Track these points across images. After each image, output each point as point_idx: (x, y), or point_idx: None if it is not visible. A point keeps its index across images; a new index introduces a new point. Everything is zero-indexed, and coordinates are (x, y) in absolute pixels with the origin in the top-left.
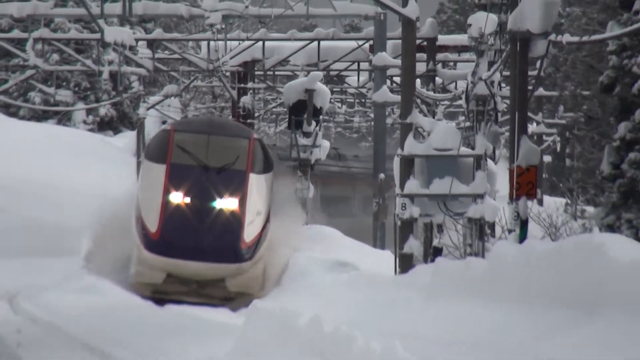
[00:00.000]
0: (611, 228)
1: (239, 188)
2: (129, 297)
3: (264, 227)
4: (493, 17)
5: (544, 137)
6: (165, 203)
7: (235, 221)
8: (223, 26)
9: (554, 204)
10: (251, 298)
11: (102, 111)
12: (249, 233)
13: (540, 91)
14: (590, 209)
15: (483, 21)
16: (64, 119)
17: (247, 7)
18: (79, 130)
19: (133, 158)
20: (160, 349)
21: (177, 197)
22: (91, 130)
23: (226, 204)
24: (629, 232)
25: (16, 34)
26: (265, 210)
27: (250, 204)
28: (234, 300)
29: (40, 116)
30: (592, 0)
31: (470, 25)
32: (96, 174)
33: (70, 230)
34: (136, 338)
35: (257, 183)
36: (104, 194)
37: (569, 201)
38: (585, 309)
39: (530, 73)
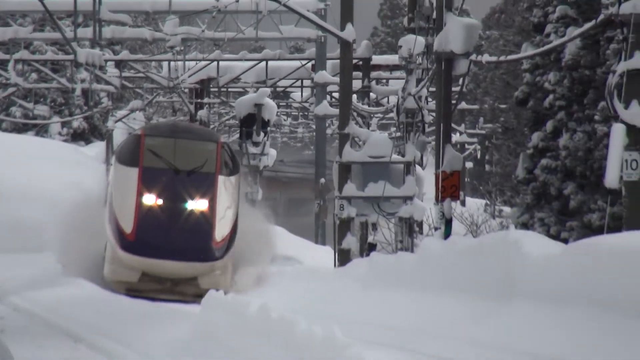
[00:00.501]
0: (525, 226)
1: (208, 190)
2: (101, 289)
3: (234, 227)
4: (421, 40)
5: (466, 146)
6: (139, 205)
7: (206, 222)
8: (182, 48)
9: (475, 204)
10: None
11: (75, 124)
12: (220, 233)
13: (463, 105)
14: (507, 209)
15: (412, 43)
16: (41, 131)
17: (203, 31)
18: (55, 140)
19: (103, 165)
20: (131, 333)
21: (151, 199)
22: (65, 140)
23: (197, 205)
24: (541, 229)
25: None
26: (234, 210)
27: (220, 205)
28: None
29: (20, 129)
30: (508, 24)
31: (400, 46)
32: (70, 179)
33: (47, 228)
34: (109, 325)
35: (225, 185)
36: (77, 196)
37: (488, 202)
38: (504, 298)
39: (453, 89)
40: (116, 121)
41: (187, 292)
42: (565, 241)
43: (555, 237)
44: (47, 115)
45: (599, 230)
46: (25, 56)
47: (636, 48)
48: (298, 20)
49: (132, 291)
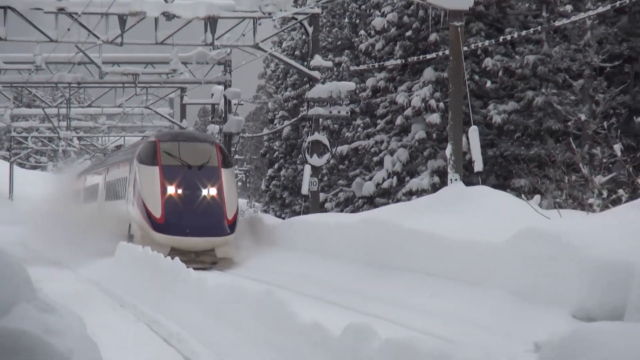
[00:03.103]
0: (266, 211)
1: (216, 180)
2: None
3: (237, 208)
4: (216, 127)
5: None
6: (164, 195)
7: (219, 205)
8: None
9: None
10: (230, 261)
11: None
12: (230, 213)
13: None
14: (258, 204)
15: (214, 128)
16: None
17: None
18: None
19: None
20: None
21: (172, 190)
22: None
23: (210, 192)
24: (272, 213)
25: None
26: (236, 195)
27: (226, 191)
28: (218, 263)
29: None
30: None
31: (207, 130)
32: None
33: None
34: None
35: (227, 175)
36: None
37: (248, 201)
38: (388, 266)
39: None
40: None
41: (206, 260)
42: (283, 219)
43: (280, 217)
44: None
45: (299, 214)
46: None
47: (316, 129)
48: None
49: None
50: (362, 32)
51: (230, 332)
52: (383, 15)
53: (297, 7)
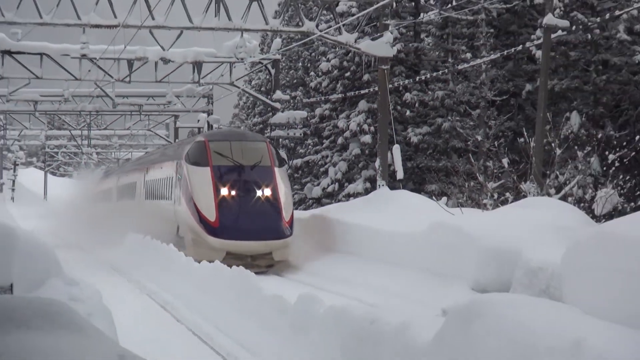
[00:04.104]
0: None
1: (270, 180)
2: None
3: (293, 209)
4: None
5: None
6: (218, 197)
7: (275, 206)
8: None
9: None
10: (286, 263)
11: None
12: (287, 214)
13: None
14: None
15: None
16: None
17: None
18: None
19: None
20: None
21: (226, 191)
22: None
23: (265, 193)
24: None
25: None
26: (290, 195)
27: (282, 191)
28: (274, 266)
29: None
30: None
31: None
32: None
33: None
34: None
35: (281, 174)
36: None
37: None
38: (333, 250)
39: None
40: None
41: (262, 264)
42: None
43: None
44: None
45: None
46: None
47: (277, 147)
48: None
49: None
50: (312, 73)
51: (211, 299)
52: (328, 60)
53: (262, 54)
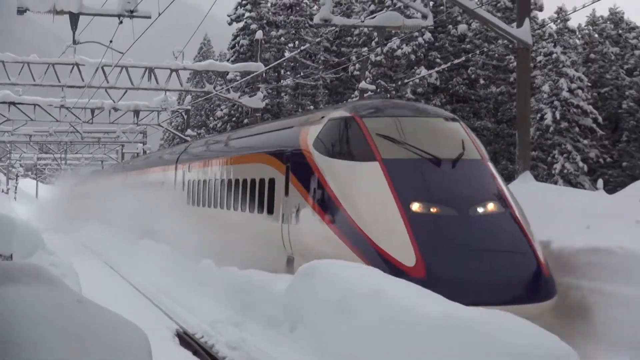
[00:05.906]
0: None
1: (492, 185)
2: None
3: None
4: None
5: None
6: (410, 219)
7: (519, 236)
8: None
9: None
10: None
11: None
12: (539, 250)
13: None
14: None
15: None
16: None
17: None
18: None
19: None
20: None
21: (422, 208)
22: None
23: (490, 208)
24: None
25: None
26: (524, 213)
27: (514, 205)
28: None
29: None
30: None
31: None
32: None
33: None
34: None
35: (498, 175)
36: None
37: None
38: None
39: None
40: None
41: None
42: None
43: None
44: None
45: None
46: None
47: None
48: None
49: None
50: (211, 118)
51: (172, 281)
52: (221, 110)
53: (179, 105)
